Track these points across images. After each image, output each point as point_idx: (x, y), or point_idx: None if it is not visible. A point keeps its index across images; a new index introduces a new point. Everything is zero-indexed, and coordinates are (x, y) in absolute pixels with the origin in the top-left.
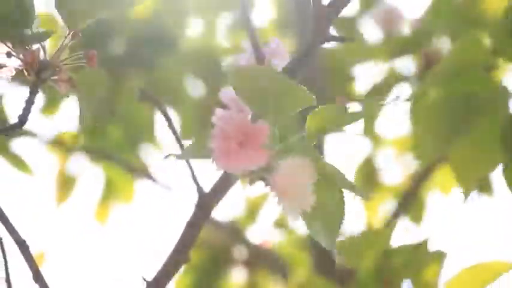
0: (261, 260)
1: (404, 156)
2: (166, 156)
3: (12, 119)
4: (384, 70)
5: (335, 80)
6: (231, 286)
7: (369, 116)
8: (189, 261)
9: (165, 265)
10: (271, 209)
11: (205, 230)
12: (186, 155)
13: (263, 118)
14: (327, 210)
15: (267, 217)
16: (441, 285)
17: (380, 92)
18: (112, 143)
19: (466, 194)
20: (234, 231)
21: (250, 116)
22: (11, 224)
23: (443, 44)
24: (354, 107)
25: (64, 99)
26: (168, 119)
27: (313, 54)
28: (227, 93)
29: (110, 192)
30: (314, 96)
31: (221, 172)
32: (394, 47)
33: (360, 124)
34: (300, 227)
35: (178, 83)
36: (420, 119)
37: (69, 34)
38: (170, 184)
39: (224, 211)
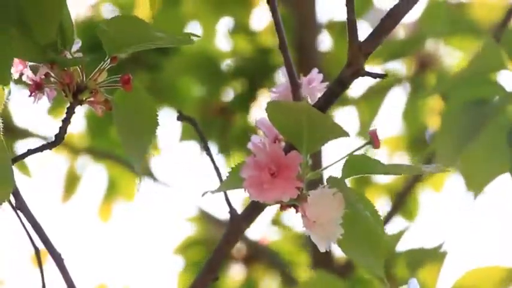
0: (259, 256)
1: (396, 156)
2: (204, 194)
3: (18, 120)
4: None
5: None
6: (230, 281)
7: (365, 120)
8: (218, 279)
9: (195, 283)
10: (269, 207)
11: (206, 228)
12: (223, 188)
13: (296, 148)
14: (367, 238)
15: (265, 215)
16: (443, 284)
17: (375, 94)
18: (115, 143)
19: (475, 197)
20: None
21: (283, 145)
22: (47, 237)
23: (437, 48)
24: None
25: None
26: (205, 141)
27: (346, 88)
28: (262, 120)
29: (112, 190)
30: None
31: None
32: (389, 50)
33: (356, 126)
34: (297, 225)
35: (179, 85)
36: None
37: (108, 59)
38: (170, 183)
39: (223, 209)
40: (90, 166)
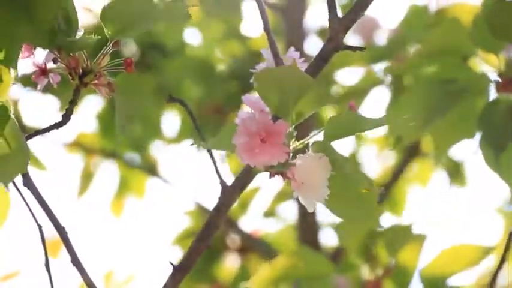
0: (252, 246)
1: (384, 153)
2: (193, 144)
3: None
4: (362, 75)
5: (318, 84)
6: (225, 270)
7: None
8: (210, 247)
9: (190, 251)
10: (261, 201)
11: (202, 221)
12: (212, 145)
13: (283, 118)
14: (355, 195)
15: (258, 208)
16: (422, 265)
17: (356, 93)
18: (126, 142)
19: (439, 157)
20: (228, 221)
21: (270, 116)
22: (51, 211)
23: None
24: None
25: (81, 101)
26: (194, 119)
27: (327, 62)
28: (248, 97)
29: (123, 188)
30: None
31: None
32: (373, 54)
33: None
34: (288, 216)
35: (180, 86)
36: (400, 102)
37: (110, 43)
38: (176, 180)
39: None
40: (103, 165)
